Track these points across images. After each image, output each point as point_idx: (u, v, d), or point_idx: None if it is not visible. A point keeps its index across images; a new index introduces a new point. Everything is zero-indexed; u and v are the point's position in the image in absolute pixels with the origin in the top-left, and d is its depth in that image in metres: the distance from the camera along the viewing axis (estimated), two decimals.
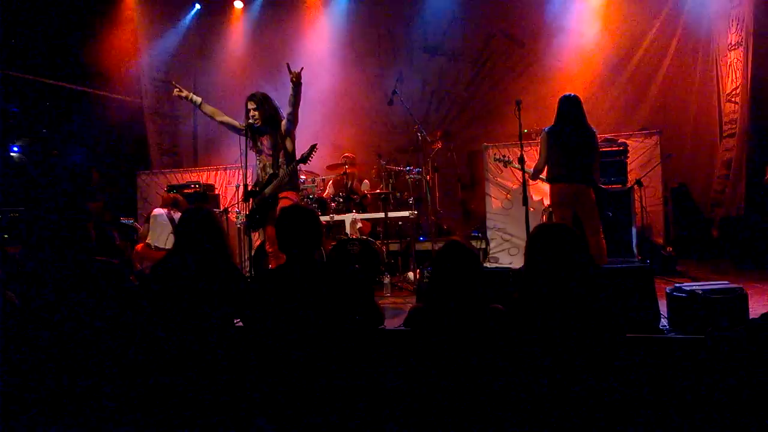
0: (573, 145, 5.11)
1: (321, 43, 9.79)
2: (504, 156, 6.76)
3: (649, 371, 2.88)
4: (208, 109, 5.38)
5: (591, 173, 5.14)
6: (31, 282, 2.96)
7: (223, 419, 2.72)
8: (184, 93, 5.37)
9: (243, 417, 2.72)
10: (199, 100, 5.35)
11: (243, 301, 2.89)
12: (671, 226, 7.42)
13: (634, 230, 6.23)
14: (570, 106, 5.22)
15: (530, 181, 5.58)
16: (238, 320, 3.05)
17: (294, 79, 4.91)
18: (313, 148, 5.24)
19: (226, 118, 5.38)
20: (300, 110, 5.15)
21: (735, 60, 7.30)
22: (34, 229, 6.39)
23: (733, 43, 7.37)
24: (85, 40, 8.60)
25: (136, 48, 9.52)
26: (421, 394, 2.52)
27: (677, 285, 3.86)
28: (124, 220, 7.80)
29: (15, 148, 8.36)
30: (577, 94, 5.29)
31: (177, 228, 3.15)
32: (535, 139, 7.56)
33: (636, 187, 6.44)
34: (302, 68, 4.97)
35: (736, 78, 7.27)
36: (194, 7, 10.34)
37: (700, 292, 3.57)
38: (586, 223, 5.10)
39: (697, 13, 7.93)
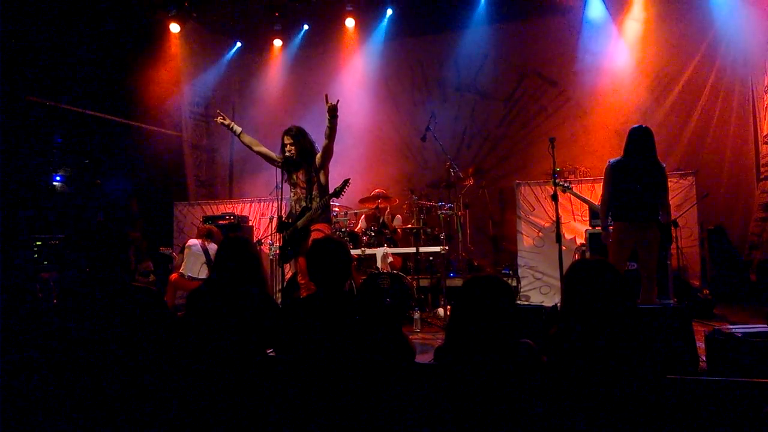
0: (639, 180, 4.84)
1: (356, 80, 10.03)
2: (565, 181, 6.67)
3: (688, 414, 2.80)
4: (247, 139, 5.53)
5: (656, 212, 4.90)
6: (70, 304, 3.03)
7: None
8: (227, 121, 5.54)
9: None
10: (239, 129, 5.52)
11: (276, 330, 2.92)
12: (708, 269, 7.27)
13: (669, 272, 6.12)
14: (639, 138, 4.92)
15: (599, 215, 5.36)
16: (271, 350, 3.08)
17: (331, 110, 5.03)
18: (346, 182, 5.31)
19: (263, 149, 5.52)
20: (335, 145, 5.26)
21: None
22: (74, 255, 6.56)
23: None
24: (130, 75, 8.88)
25: (178, 83, 9.82)
26: (451, 429, 2.50)
27: (716, 328, 3.78)
28: (163, 251, 7.95)
29: (58, 178, 8.62)
30: (639, 127, 5.00)
31: (216, 255, 3.22)
32: (568, 177, 7.58)
33: (672, 227, 6.34)
34: (338, 100, 5.10)
35: None
36: (235, 44, 10.71)
37: (740, 335, 3.49)
38: (642, 263, 4.91)
39: (733, 54, 7.90)
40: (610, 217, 5.10)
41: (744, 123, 7.88)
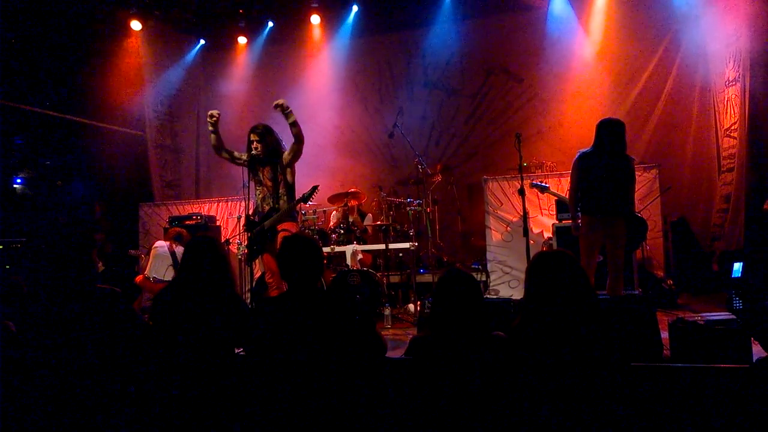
0: (607, 173, 4.81)
1: (323, 77, 9.98)
2: (542, 182, 6.71)
3: (653, 400, 2.86)
4: (218, 141, 5.44)
5: (624, 205, 4.88)
6: (34, 309, 2.96)
7: None
8: (216, 118, 5.35)
9: None
10: (216, 131, 5.42)
11: (245, 329, 2.88)
12: (672, 260, 7.42)
13: (634, 263, 6.23)
14: (611, 131, 4.84)
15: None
16: (240, 349, 3.05)
17: (279, 109, 5.08)
18: (314, 189, 5.34)
19: (228, 151, 5.44)
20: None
21: (732, 95, 7.38)
22: (37, 258, 6.41)
23: (730, 79, 7.46)
24: (90, 73, 8.68)
25: (140, 81, 9.62)
26: (423, 423, 2.50)
27: (679, 316, 3.85)
28: (132, 253, 7.80)
29: (18, 180, 8.41)
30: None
31: (183, 254, 3.17)
32: (534, 172, 7.66)
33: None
34: (282, 100, 5.17)
35: (734, 113, 7.34)
36: (198, 42, 10.54)
37: (702, 323, 3.57)
38: (610, 255, 4.90)
39: (694, 50, 8.05)
40: (578, 210, 5.07)
41: (705, 116, 8.05)
